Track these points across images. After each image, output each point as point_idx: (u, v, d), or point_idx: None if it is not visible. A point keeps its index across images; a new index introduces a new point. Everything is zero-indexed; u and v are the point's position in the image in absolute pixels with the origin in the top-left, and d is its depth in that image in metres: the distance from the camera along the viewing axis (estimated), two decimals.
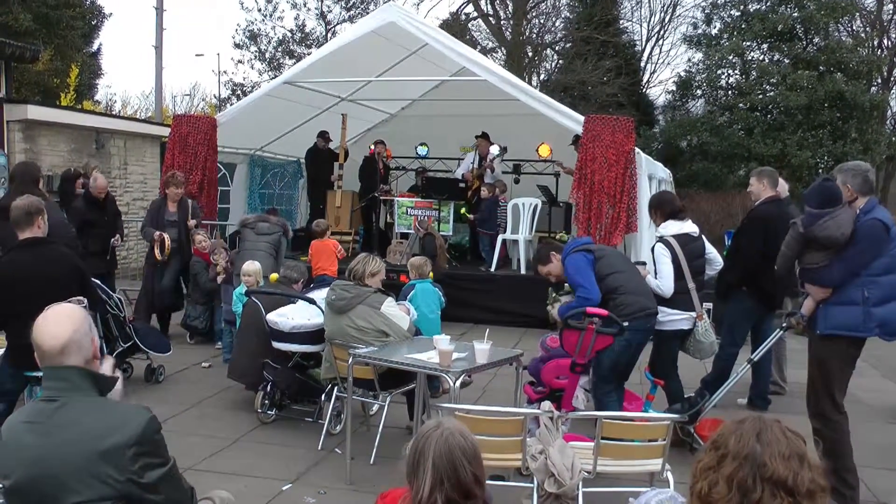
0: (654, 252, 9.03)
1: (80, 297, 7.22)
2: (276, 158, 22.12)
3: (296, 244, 17.90)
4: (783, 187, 10.56)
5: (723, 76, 36.96)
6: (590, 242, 9.13)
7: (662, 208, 9.36)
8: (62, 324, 3.80)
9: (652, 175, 16.27)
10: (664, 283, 8.76)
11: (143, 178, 22.44)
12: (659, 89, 71.78)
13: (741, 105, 34.59)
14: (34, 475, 3.65)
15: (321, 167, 19.92)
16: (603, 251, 8.73)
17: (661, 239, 9.03)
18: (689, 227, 9.19)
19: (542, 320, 14.56)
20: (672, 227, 9.09)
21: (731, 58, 35.40)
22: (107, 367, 4.10)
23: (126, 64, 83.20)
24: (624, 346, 8.23)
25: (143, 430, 3.69)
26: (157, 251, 13.10)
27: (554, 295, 14.35)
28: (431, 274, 11.59)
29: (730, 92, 36.62)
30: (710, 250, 9.53)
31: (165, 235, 13.11)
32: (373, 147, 19.85)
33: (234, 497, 4.90)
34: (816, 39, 35.20)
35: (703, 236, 9.40)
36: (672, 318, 8.79)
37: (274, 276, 11.56)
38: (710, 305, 10.77)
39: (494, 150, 18.86)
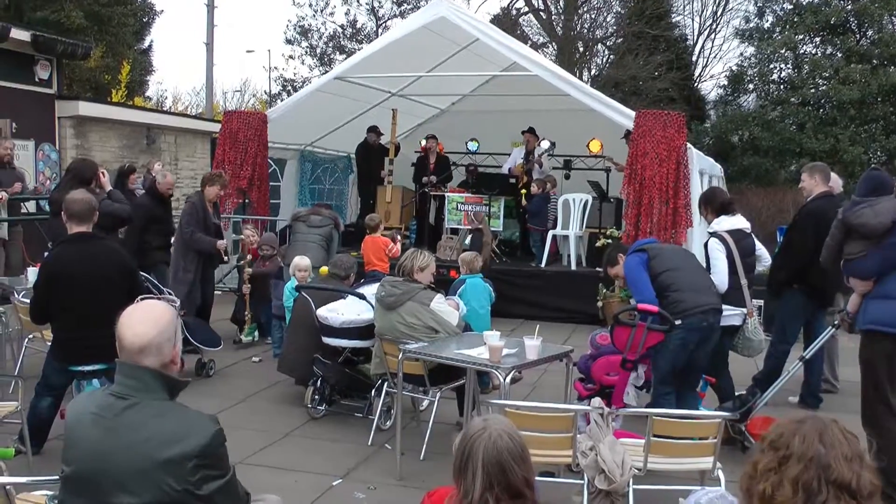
0: (707, 248, 8.98)
1: (173, 298, 7.23)
2: (326, 154, 22.19)
3: (346, 240, 17.94)
4: (837, 183, 10.45)
5: (775, 70, 36.66)
6: (651, 242, 9.07)
7: (711, 203, 9.31)
8: (147, 324, 3.77)
9: (703, 170, 16.16)
10: (719, 278, 8.67)
11: (194, 174, 22.59)
12: (711, 84, 71.21)
13: (793, 99, 34.31)
14: (93, 469, 3.66)
15: (372, 162, 19.94)
16: (657, 249, 8.62)
17: (715, 234, 8.98)
18: (741, 223, 9.15)
19: (593, 316, 14.54)
20: (725, 223, 9.04)
21: (783, 52, 35.13)
22: None
23: (177, 60, 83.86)
24: (679, 345, 8.12)
25: (208, 442, 3.66)
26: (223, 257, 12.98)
27: (605, 291, 14.34)
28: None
29: (782, 86, 36.31)
30: (758, 247, 9.47)
31: (223, 244, 13.02)
32: (424, 142, 19.87)
33: (285, 493, 4.91)
34: (870, 32, 34.81)
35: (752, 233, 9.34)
36: (724, 314, 8.62)
37: (324, 269, 11.58)
38: (760, 302, 10.70)
39: (544, 145, 18.79)
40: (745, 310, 8.93)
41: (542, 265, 16.86)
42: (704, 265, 8.87)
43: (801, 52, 35.69)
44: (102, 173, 11.07)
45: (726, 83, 39.91)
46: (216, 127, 20.01)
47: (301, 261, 11.79)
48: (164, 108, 39.55)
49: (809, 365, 10.08)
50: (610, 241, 15.42)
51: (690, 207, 14.24)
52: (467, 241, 16.51)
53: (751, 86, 38.29)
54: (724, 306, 8.57)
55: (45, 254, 10.28)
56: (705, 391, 8.98)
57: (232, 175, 16.45)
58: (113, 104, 23.43)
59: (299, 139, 20.75)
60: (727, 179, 23.35)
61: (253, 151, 17.15)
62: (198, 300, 12.53)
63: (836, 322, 9.01)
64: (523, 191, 17.96)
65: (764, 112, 35.48)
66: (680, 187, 14.37)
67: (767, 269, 10.01)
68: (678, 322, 7.97)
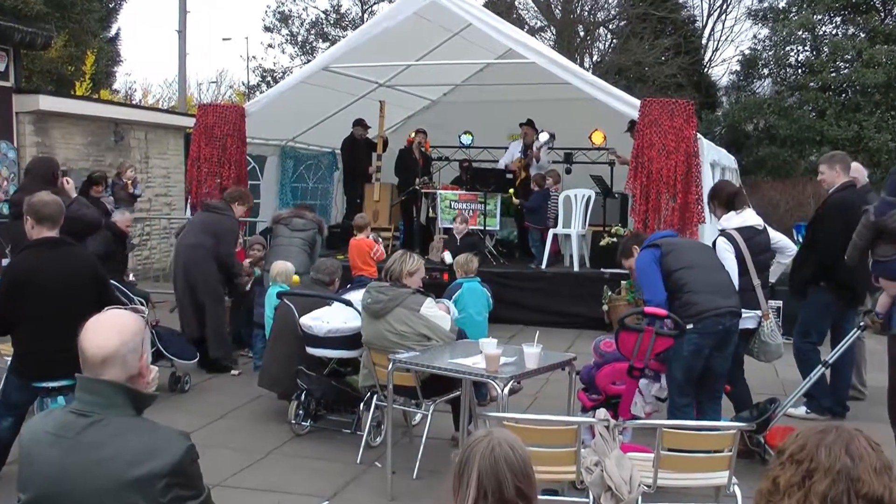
0: (715, 247, 8.98)
1: (141, 308, 7.15)
2: (309, 150, 22.19)
3: (331, 242, 17.94)
4: (861, 172, 10.46)
5: (791, 53, 36.60)
6: (668, 236, 9.06)
7: (718, 197, 9.33)
8: (111, 333, 3.71)
9: (715, 162, 16.16)
10: None
11: (167, 172, 22.55)
12: (722, 69, 71.30)
13: (812, 84, 34.22)
14: (54, 493, 3.60)
15: (358, 158, 19.94)
16: (672, 245, 8.57)
17: (724, 233, 8.99)
18: (752, 219, 9.15)
19: (597, 321, 14.55)
20: (734, 220, 9.04)
21: (800, 33, 35.05)
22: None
23: (147, 50, 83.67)
24: (693, 351, 8.10)
25: (179, 459, 3.60)
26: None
27: (610, 294, 14.34)
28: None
29: (799, 70, 36.26)
30: (778, 238, 9.45)
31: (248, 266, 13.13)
32: (411, 136, 19.86)
33: None
34: None
35: (769, 228, 9.32)
36: None
37: (295, 277, 11.61)
38: (779, 303, 10.70)
39: (543, 137, 18.77)
40: (759, 312, 8.93)
41: (543, 266, 16.89)
42: None
43: (821, 32, 35.62)
44: (66, 180, 11.02)
45: (739, 68, 39.97)
46: (190, 122, 19.96)
47: (282, 266, 11.79)
48: (134, 102, 39.44)
49: (837, 371, 10.08)
50: (615, 239, 15.42)
51: (702, 202, 14.23)
52: (445, 254, 16.10)
53: (765, 70, 38.26)
54: None
55: (2, 259, 10.19)
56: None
57: (208, 173, 16.46)
58: (77, 98, 23.37)
59: (280, 134, 20.73)
60: (741, 171, 23.36)
61: (232, 148, 17.10)
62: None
63: (861, 323, 9.00)
64: (511, 190, 17.88)
65: (780, 98, 35.43)
66: (690, 181, 14.34)
67: (791, 262, 9.98)
68: (690, 326, 7.96)
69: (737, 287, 8.58)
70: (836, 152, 10.63)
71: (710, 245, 9.21)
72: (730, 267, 8.69)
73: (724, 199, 9.20)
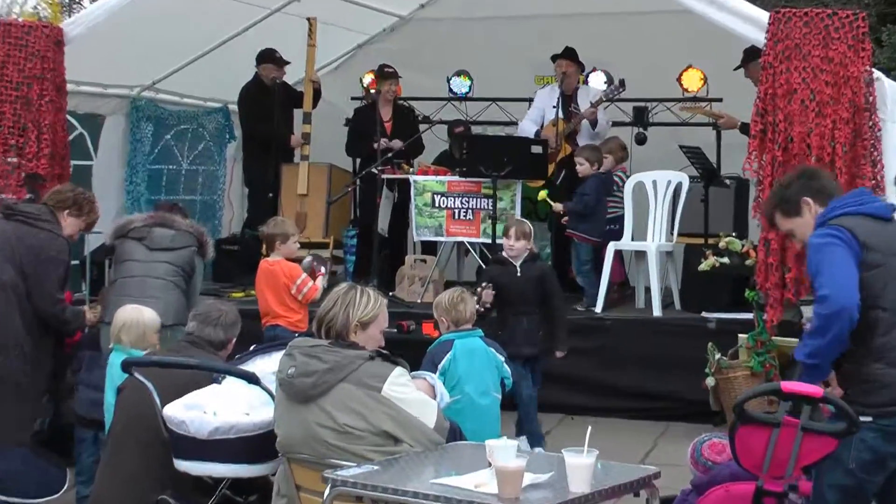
0: None
1: None
2: (181, 105, 22.05)
3: (223, 268, 17.81)
4: None
5: None
6: (867, 202, 8.51)
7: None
8: None
9: None
10: None
11: None
12: None
13: None
14: None
15: (270, 119, 19.76)
16: (877, 239, 7.97)
17: None
18: None
19: (698, 406, 14.39)
20: None
21: None
22: None
23: None
24: (870, 462, 7.84)
25: None
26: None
27: (719, 357, 14.13)
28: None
29: None
30: None
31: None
32: (373, 79, 19.76)
33: None
34: None
35: None
36: None
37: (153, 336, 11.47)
38: None
39: (597, 82, 18.54)
40: None
41: (598, 308, 16.79)
42: None
43: None
44: None
45: None
46: None
47: (132, 315, 11.57)
48: None
49: None
50: (725, 259, 15.26)
51: (882, 186, 13.94)
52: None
53: None
54: None
55: None
56: None
57: None
58: None
59: (128, 77, 20.51)
60: None
61: (38, 101, 16.79)
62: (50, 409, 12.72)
63: None
64: (543, 194, 17.49)
65: None
66: (860, 150, 14.15)
67: None
68: (868, 419, 7.68)
69: None
70: None
71: None
72: None
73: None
